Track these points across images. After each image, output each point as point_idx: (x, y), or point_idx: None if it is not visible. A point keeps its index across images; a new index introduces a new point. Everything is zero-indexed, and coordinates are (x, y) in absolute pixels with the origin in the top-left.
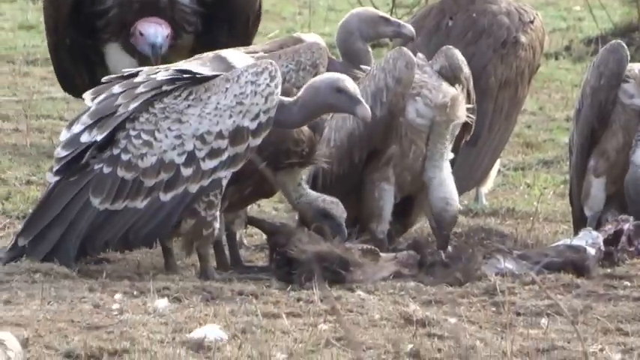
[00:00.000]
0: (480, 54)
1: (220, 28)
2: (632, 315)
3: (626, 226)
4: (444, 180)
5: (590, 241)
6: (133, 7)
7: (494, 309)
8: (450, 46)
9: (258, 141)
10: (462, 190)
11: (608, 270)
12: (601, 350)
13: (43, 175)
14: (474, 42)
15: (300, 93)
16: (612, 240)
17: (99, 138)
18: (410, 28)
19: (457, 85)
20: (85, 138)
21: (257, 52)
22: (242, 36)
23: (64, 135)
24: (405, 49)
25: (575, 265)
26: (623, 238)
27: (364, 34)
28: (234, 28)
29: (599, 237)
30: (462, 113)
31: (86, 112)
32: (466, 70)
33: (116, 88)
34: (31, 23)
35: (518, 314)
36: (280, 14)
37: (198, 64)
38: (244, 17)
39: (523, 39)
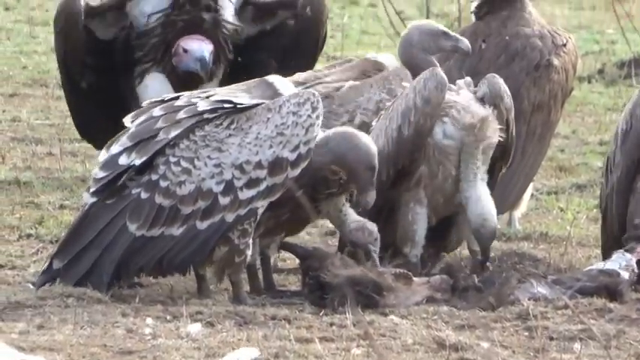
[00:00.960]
0: (512, 77)
1: (282, 56)
2: None
3: None
4: (480, 197)
5: (623, 263)
6: (177, 26)
7: (526, 333)
8: (495, 75)
9: (296, 172)
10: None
11: None
12: None
13: (77, 200)
14: (506, 65)
15: (332, 138)
16: None
17: (137, 162)
18: (466, 43)
19: (488, 107)
20: (123, 160)
21: (341, 80)
22: (306, 63)
23: (102, 155)
24: (437, 69)
25: (608, 289)
26: None
27: (425, 46)
28: (298, 56)
29: (632, 259)
30: (493, 134)
31: (125, 133)
32: (507, 100)
33: (157, 111)
34: None
35: (551, 339)
36: None
37: (242, 91)
38: (311, 43)
39: (556, 62)
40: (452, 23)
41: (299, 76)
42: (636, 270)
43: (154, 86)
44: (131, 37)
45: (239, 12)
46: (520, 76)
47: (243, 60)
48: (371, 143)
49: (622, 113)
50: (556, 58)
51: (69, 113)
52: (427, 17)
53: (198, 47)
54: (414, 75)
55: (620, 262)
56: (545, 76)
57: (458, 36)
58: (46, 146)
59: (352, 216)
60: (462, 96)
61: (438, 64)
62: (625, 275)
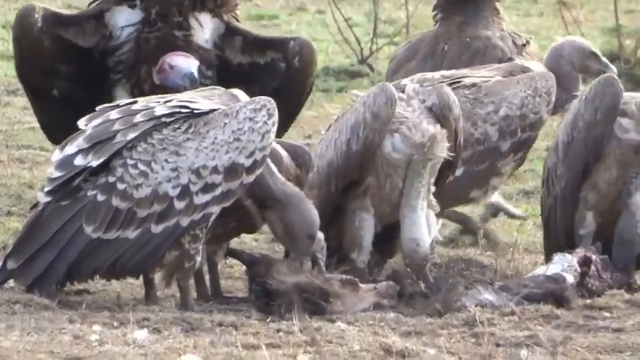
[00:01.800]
0: None
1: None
2: (612, 346)
3: (593, 257)
4: (416, 221)
5: (565, 265)
6: (150, 43)
7: (473, 340)
8: (443, 85)
9: (251, 178)
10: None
11: (588, 301)
12: None
13: (24, 206)
14: (469, 63)
15: (288, 188)
16: (582, 265)
17: (94, 164)
18: (614, 70)
19: (438, 126)
20: (79, 161)
21: (488, 76)
22: (292, 109)
23: (56, 155)
24: (388, 85)
25: (554, 295)
26: (593, 267)
27: (573, 60)
28: (285, 100)
29: (574, 259)
30: (441, 152)
31: (81, 134)
32: (456, 110)
33: (113, 114)
34: (12, 53)
35: (498, 345)
36: None
37: (204, 97)
38: (298, 91)
39: (518, 61)
40: (400, 30)
41: (445, 72)
42: (579, 270)
43: (119, 99)
44: (108, 46)
45: (226, 40)
46: None
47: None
48: (316, 214)
49: (560, 124)
50: (518, 57)
51: (16, 119)
52: (375, 24)
53: (185, 63)
54: (559, 84)
55: (562, 264)
56: None
57: (607, 62)
58: None
59: None
60: (413, 109)
61: (579, 80)
62: (570, 279)
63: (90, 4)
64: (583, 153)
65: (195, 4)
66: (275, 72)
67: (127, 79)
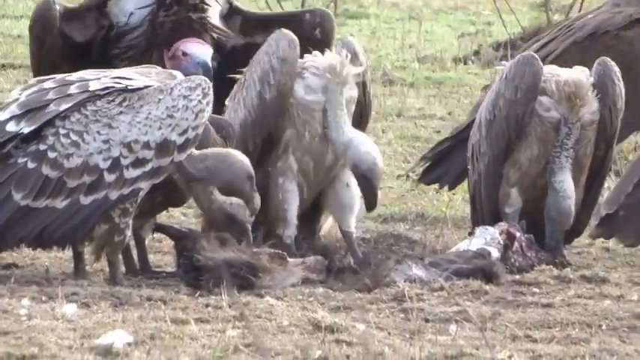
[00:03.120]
0: None
1: None
2: (541, 322)
3: (517, 234)
4: (360, 137)
5: (488, 237)
6: (165, 27)
7: (402, 315)
8: (350, 37)
9: (183, 156)
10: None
11: (517, 276)
12: (509, 357)
13: None
14: None
15: (210, 157)
16: (506, 239)
17: (26, 130)
18: None
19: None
20: (11, 127)
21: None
22: None
23: None
24: (285, 30)
25: (483, 271)
26: (516, 244)
27: None
28: None
29: (496, 232)
30: (352, 80)
31: (14, 101)
32: (362, 59)
33: (48, 84)
34: None
35: (427, 321)
36: None
37: (141, 74)
38: None
39: None
40: (328, 4)
41: None
42: (502, 242)
43: None
44: (110, 35)
45: (226, 20)
46: None
47: (227, 72)
48: (244, 157)
49: (482, 101)
50: None
51: None
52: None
53: (199, 51)
54: None
55: (485, 237)
56: None
57: None
58: None
59: (218, 197)
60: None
61: None
62: (494, 252)
63: None
64: (505, 131)
65: None
66: None
67: (134, 63)
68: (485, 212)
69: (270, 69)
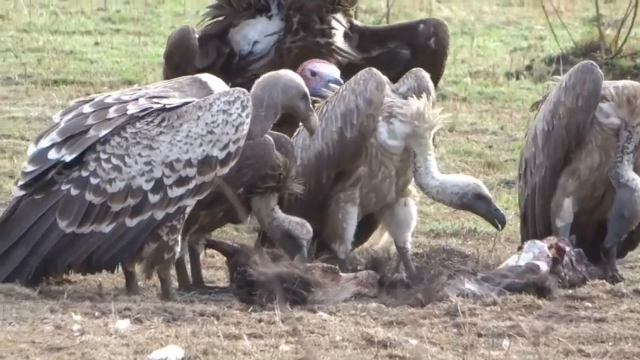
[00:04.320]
0: None
1: None
2: (594, 336)
3: (567, 249)
4: (449, 176)
5: (537, 251)
6: (292, 53)
7: (455, 330)
8: (420, 69)
9: (225, 170)
10: None
11: (569, 291)
12: None
13: (5, 196)
14: None
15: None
16: (555, 254)
17: (68, 158)
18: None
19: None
20: (52, 155)
21: None
22: None
23: (31, 150)
24: (374, 70)
25: (536, 286)
26: (566, 258)
27: None
28: None
29: (544, 246)
30: (438, 118)
31: (54, 128)
32: (434, 93)
33: (86, 108)
34: None
35: (480, 335)
36: None
37: (175, 89)
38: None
39: None
40: (380, 19)
41: None
42: (550, 256)
43: None
44: (231, 63)
45: (346, 38)
46: None
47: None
48: (294, 76)
49: (537, 114)
50: None
51: None
52: (355, 14)
53: (328, 70)
54: None
55: (533, 252)
56: None
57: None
58: None
59: (279, 214)
60: (392, 96)
61: None
62: (543, 266)
63: (212, 19)
64: (565, 140)
65: (333, 6)
66: (393, 59)
67: None
68: (538, 227)
69: (355, 108)
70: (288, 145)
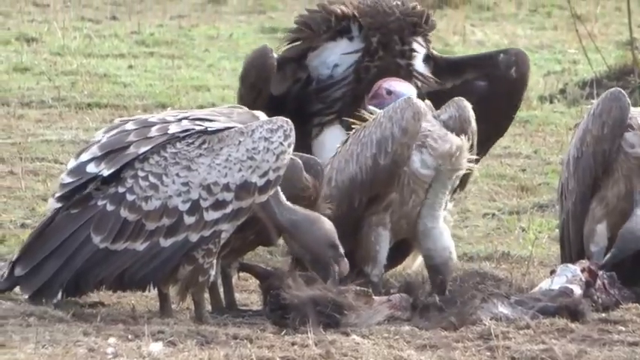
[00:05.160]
0: None
1: None
2: None
3: (599, 272)
4: (443, 231)
5: (570, 275)
6: (370, 72)
7: (488, 353)
8: (462, 98)
9: (264, 197)
10: None
11: (603, 314)
12: None
13: (38, 219)
14: None
15: (299, 213)
16: (587, 277)
17: (106, 173)
18: None
19: (463, 136)
20: (91, 169)
21: None
22: (497, 128)
23: (71, 163)
24: (413, 98)
25: (569, 309)
26: (599, 282)
27: None
28: (488, 119)
29: (577, 269)
30: (466, 163)
31: (96, 143)
32: (474, 123)
33: (130, 125)
34: (26, 65)
35: (513, 359)
36: None
37: (222, 114)
38: (510, 106)
39: None
40: None
41: None
42: (583, 279)
43: (332, 141)
44: (309, 89)
45: (425, 62)
46: None
47: None
48: (330, 228)
49: (571, 139)
50: None
51: (30, 132)
52: None
53: (404, 89)
54: None
55: (566, 275)
56: None
57: None
58: (7, 165)
59: None
60: (432, 123)
61: None
62: (577, 290)
63: (290, 43)
64: (592, 167)
65: (414, 28)
66: (467, 91)
67: (340, 116)
68: (573, 251)
69: (390, 136)
70: (318, 167)
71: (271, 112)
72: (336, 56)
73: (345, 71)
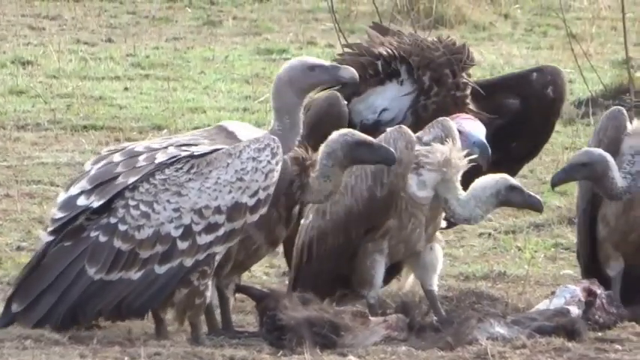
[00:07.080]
0: None
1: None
2: None
3: (599, 291)
4: (478, 187)
5: (568, 296)
6: (429, 109)
7: None
8: (447, 118)
9: (255, 217)
10: None
11: (599, 334)
12: None
13: (34, 241)
14: None
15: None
16: (588, 296)
17: (96, 204)
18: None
19: (445, 142)
20: (81, 202)
21: None
22: (534, 145)
23: (61, 197)
24: (404, 128)
25: (565, 329)
26: (598, 301)
27: None
28: (524, 138)
29: (577, 290)
30: (463, 161)
31: (84, 176)
32: (458, 143)
33: (116, 157)
34: (22, 88)
35: None
36: None
37: (203, 137)
38: (546, 124)
39: None
40: None
41: None
42: (582, 299)
43: None
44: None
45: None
46: None
47: None
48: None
49: None
50: None
51: (26, 155)
52: None
53: (474, 129)
54: None
55: (565, 296)
56: None
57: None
58: (3, 188)
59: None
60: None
61: None
62: (574, 310)
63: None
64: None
65: (463, 64)
66: (500, 113)
67: None
68: (582, 268)
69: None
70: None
71: None
72: (385, 100)
73: (398, 115)
